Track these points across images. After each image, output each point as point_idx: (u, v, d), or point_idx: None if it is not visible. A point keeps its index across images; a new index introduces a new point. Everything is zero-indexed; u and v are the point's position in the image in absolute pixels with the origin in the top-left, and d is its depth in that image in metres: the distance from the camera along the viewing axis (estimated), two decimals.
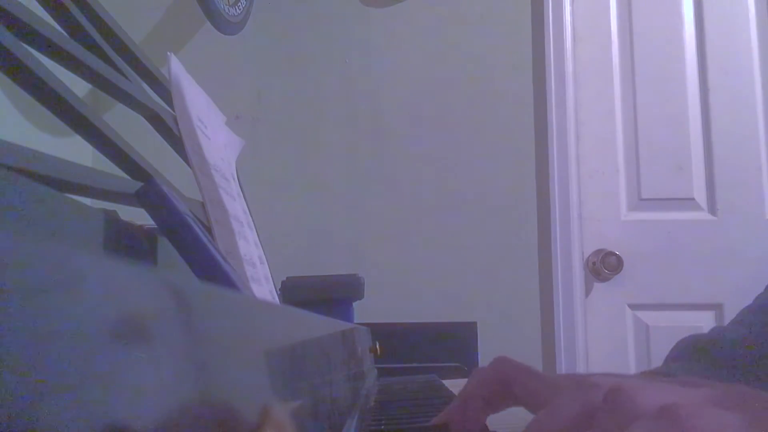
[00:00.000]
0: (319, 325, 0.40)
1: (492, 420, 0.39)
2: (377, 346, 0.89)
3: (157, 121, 0.46)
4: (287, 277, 1.18)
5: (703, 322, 1.76)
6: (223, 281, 0.32)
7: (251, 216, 0.60)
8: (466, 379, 0.37)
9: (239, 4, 1.69)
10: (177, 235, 0.31)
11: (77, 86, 0.36)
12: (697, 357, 0.55)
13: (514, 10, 1.87)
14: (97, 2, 0.42)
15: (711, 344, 0.56)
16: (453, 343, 1.63)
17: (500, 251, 1.78)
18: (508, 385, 0.36)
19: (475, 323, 1.67)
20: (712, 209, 1.80)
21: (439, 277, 1.77)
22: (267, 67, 1.88)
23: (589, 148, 1.84)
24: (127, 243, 0.30)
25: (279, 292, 0.79)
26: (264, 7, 1.87)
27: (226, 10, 1.59)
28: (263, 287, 0.50)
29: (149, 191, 0.31)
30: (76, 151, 1.16)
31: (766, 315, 0.56)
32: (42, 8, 0.36)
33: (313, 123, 1.85)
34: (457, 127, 1.83)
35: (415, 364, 1.19)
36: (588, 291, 1.80)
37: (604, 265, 1.76)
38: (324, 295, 1.16)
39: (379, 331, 1.05)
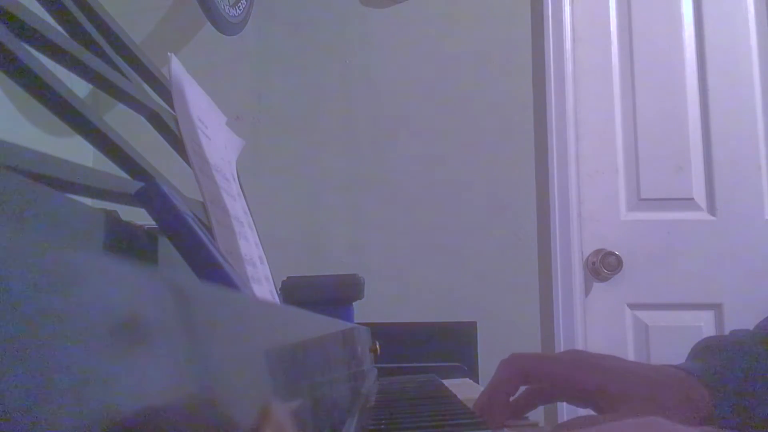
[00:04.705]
0: (319, 325, 0.40)
1: None
2: (377, 346, 0.89)
3: (157, 121, 0.46)
4: (287, 277, 1.17)
5: (703, 322, 1.76)
6: (223, 281, 0.32)
7: (251, 216, 0.60)
8: (466, 379, 0.40)
9: (239, 4, 1.69)
10: (177, 235, 0.31)
11: (77, 86, 0.36)
12: (706, 355, 0.56)
13: (514, 11, 1.87)
14: (97, 2, 0.42)
15: (720, 342, 0.56)
16: (453, 343, 1.63)
17: (500, 251, 1.78)
18: (525, 373, 0.44)
19: (474, 323, 1.67)
20: (712, 209, 1.80)
21: (439, 277, 1.77)
22: (267, 68, 1.88)
23: (588, 148, 1.84)
24: (127, 243, 0.30)
25: (279, 292, 0.79)
26: (264, 7, 1.87)
27: (227, 11, 1.59)
28: (263, 287, 0.50)
29: (149, 191, 0.31)
30: (76, 151, 1.16)
31: None
32: (42, 8, 0.36)
33: (313, 123, 1.85)
34: (457, 127, 1.83)
35: (415, 364, 1.19)
36: (587, 291, 1.80)
37: (604, 265, 1.76)
38: (324, 295, 1.15)
39: (379, 331, 1.05)
